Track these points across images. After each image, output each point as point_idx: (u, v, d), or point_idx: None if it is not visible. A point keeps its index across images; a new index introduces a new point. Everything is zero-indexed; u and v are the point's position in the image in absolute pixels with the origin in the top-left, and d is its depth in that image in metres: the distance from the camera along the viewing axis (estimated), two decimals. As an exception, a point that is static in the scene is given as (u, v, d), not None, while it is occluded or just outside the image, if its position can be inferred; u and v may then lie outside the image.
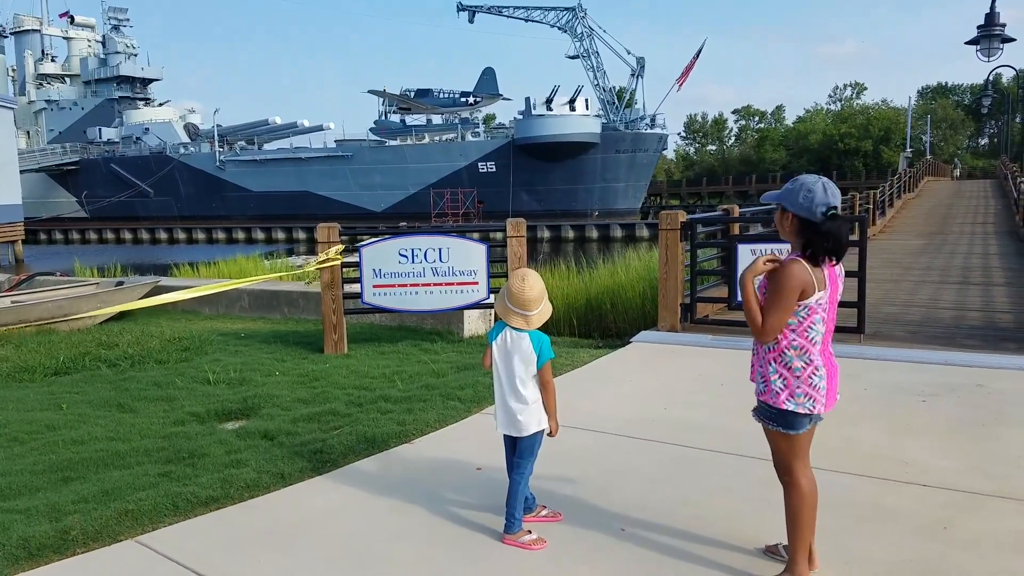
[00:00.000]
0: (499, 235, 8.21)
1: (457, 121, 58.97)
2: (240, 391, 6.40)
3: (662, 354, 7.30)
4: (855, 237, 8.43)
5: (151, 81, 76.11)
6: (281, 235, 55.42)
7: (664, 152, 66.67)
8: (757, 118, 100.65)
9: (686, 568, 3.18)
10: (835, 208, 2.75)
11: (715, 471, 4.25)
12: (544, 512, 3.67)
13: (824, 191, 2.74)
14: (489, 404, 5.63)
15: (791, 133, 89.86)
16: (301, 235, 52.51)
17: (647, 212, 57.71)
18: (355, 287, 8.04)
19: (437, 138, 58.13)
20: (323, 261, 7.89)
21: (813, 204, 2.75)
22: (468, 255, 7.88)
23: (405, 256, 7.85)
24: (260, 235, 56.26)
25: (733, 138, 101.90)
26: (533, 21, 58.26)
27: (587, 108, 53.94)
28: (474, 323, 9.03)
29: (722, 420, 5.15)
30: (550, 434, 3.49)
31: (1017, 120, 47.41)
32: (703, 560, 3.24)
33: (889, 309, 9.41)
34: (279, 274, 11.01)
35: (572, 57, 57.94)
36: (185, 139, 66.33)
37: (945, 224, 23.20)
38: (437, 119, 61.27)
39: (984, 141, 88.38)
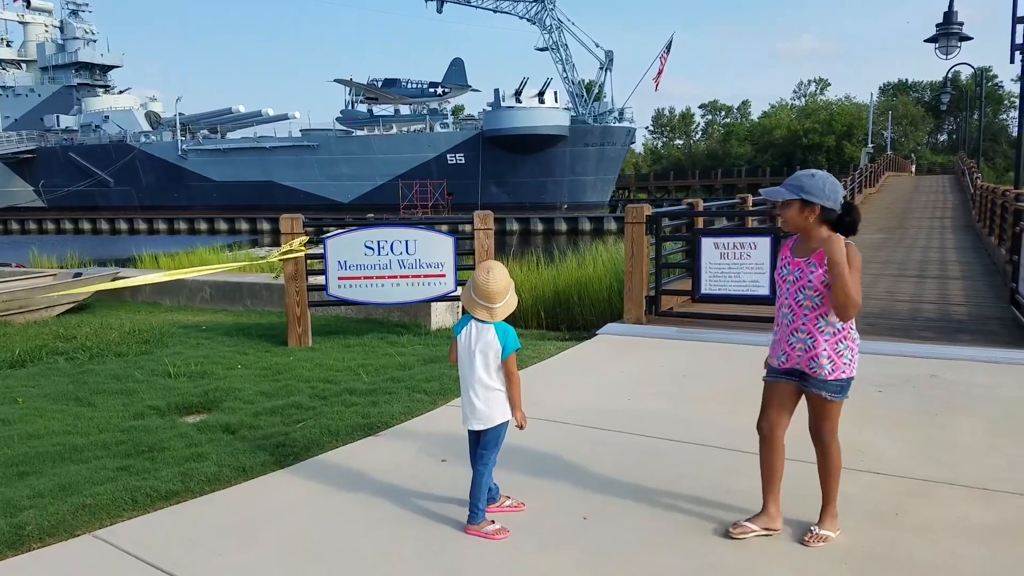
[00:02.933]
0: (467, 227, 8.19)
1: (425, 112, 58.61)
2: (201, 384, 6.30)
3: (628, 346, 7.36)
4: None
5: (111, 68, 74.26)
6: (244, 226, 54.64)
7: (632, 146, 67.07)
8: (723, 113, 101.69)
9: (644, 556, 3.22)
10: (846, 196, 3.18)
11: (678, 461, 4.30)
12: (508, 502, 3.68)
13: (837, 184, 3.12)
14: (455, 396, 5.63)
15: (756, 128, 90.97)
16: (265, 226, 51.82)
17: (615, 205, 57.98)
18: (320, 279, 7.96)
19: (405, 129, 57.68)
20: (286, 252, 7.79)
21: (838, 195, 3.10)
22: (435, 247, 7.85)
23: (371, 248, 7.79)
24: (223, 226, 55.42)
25: (700, 132, 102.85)
26: (502, 12, 58.00)
27: (556, 101, 53.97)
28: (441, 316, 9.00)
29: (685, 411, 5.22)
30: (518, 426, 3.50)
31: (974, 117, 48.60)
32: (662, 547, 3.28)
33: (848, 302, 9.61)
34: (241, 264, 10.83)
35: (541, 49, 57.86)
36: (146, 127, 64.88)
37: (904, 218, 23.73)
38: (405, 109, 60.79)
39: (943, 137, 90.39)
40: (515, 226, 47.26)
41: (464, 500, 3.56)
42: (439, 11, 59.49)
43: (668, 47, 56.33)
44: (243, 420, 5.25)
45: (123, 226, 58.37)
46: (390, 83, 60.82)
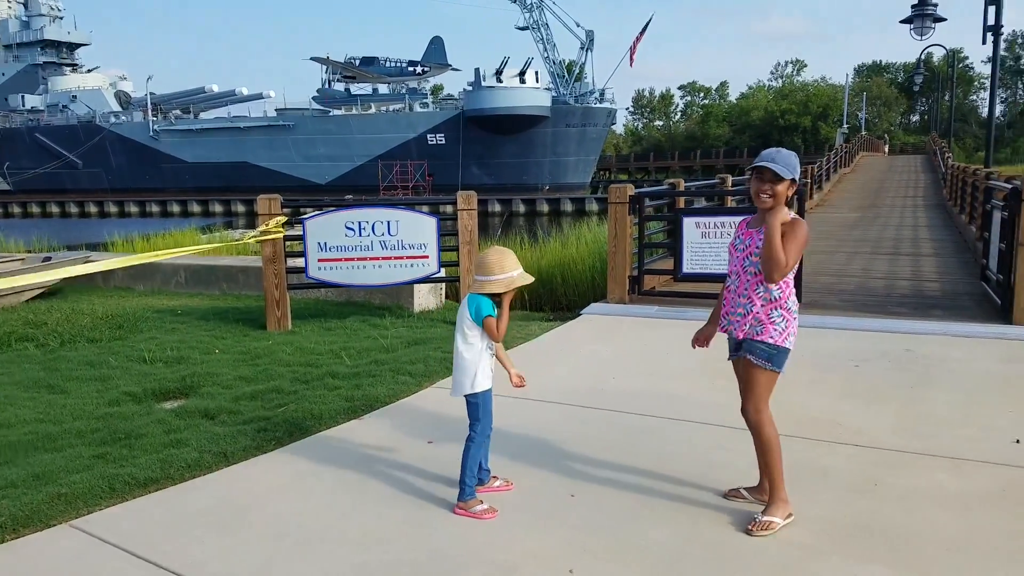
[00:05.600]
0: (450, 208, 8.11)
1: (405, 91, 57.91)
2: (178, 369, 6.20)
3: (611, 326, 7.36)
4: (794, 210, 8.60)
5: (78, 46, 72.39)
6: (219, 208, 53.85)
7: (613, 127, 66.97)
8: (702, 94, 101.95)
9: (633, 532, 3.22)
10: None
11: (663, 437, 4.32)
12: (497, 483, 3.67)
13: None
14: (441, 378, 5.61)
15: (734, 109, 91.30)
16: (240, 208, 51.13)
17: (597, 186, 58.00)
18: (299, 262, 7.85)
19: (384, 108, 56.99)
20: (263, 233, 7.66)
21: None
22: (418, 228, 7.76)
23: (352, 229, 7.68)
24: (196, 208, 54.58)
25: (679, 114, 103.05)
26: (483, -10, 57.33)
27: (537, 81, 53.63)
28: (425, 297, 8.94)
29: (669, 388, 5.23)
30: (516, 385, 3.53)
31: (946, 98, 49.11)
32: (650, 523, 3.29)
33: (825, 279, 9.70)
34: (217, 244, 10.65)
35: (522, 28, 57.39)
36: (116, 108, 63.45)
37: (878, 197, 24.00)
38: (384, 89, 60.04)
39: (916, 118, 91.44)
40: (497, 207, 47.06)
41: (452, 481, 3.55)
42: (416, -14, 58.57)
43: (645, 28, 56.19)
44: (222, 405, 5.17)
45: (93, 209, 57.22)
46: (368, 61, 60.00)
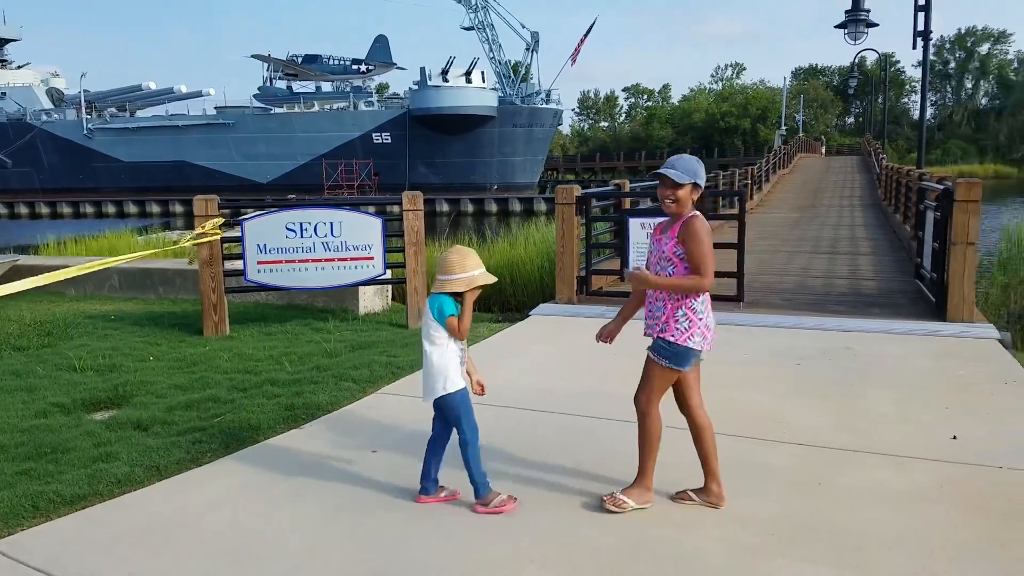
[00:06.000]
0: (396, 208, 7.97)
1: (349, 89, 57.12)
2: (110, 378, 5.92)
3: (560, 326, 7.34)
4: (735, 211, 8.75)
5: (8, 42, 68.98)
6: (156, 208, 52.17)
7: (560, 127, 67.33)
8: (646, 96, 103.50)
9: (581, 537, 3.18)
10: None
11: (611, 438, 4.30)
12: (443, 493, 3.59)
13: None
14: (386, 383, 5.49)
15: (677, 111, 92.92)
16: (178, 208, 49.63)
17: (545, 186, 58.22)
18: (239, 264, 7.61)
19: (328, 106, 56.09)
20: (200, 235, 7.40)
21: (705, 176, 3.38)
22: (363, 229, 7.60)
23: (293, 230, 7.48)
24: (133, 209, 52.78)
25: (624, 115, 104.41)
26: (427, -11, 56.90)
27: (483, 81, 53.56)
28: (370, 300, 8.77)
29: (617, 389, 5.17)
30: (478, 393, 3.54)
31: (879, 101, 50.94)
32: (598, 526, 3.25)
33: (766, 278, 9.89)
34: (151, 251, 10.26)
35: (467, 29, 57.17)
36: (48, 105, 60.81)
37: (816, 197, 24.70)
38: (327, 87, 59.11)
39: (851, 120, 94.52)
40: (445, 207, 46.72)
41: (397, 489, 3.50)
42: (360, -15, 57.81)
43: (589, 30, 56.71)
44: (156, 416, 4.95)
45: (23, 210, 54.71)
46: (311, 59, 58.97)
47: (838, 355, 6.06)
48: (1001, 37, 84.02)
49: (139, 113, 59.67)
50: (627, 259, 8.01)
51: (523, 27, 57.01)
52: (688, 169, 3.25)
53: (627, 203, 10.32)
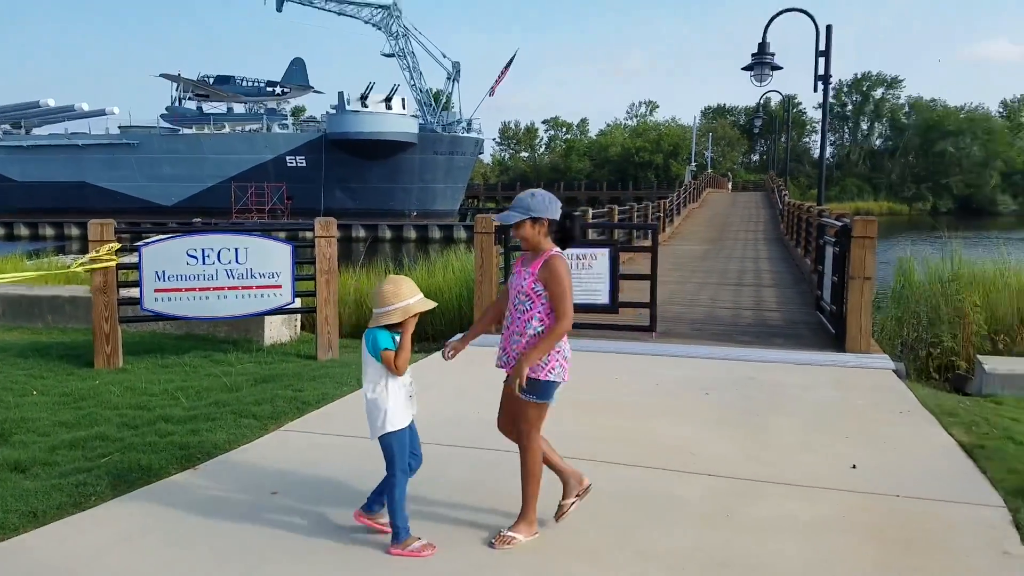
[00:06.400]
0: (308, 234, 7.72)
1: (263, 111, 55.90)
2: (-16, 415, 5.41)
3: (478, 356, 7.15)
4: (648, 243, 8.93)
5: None
6: (50, 231, 49.15)
7: (481, 156, 67.87)
8: (564, 129, 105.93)
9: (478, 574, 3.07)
10: (563, 208, 3.45)
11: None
12: (381, 520, 3.47)
13: (554, 199, 3.41)
14: (289, 420, 5.24)
15: (594, 145, 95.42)
16: (74, 231, 46.93)
17: (465, 214, 58.32)
18: (136, 291, 7.16)
19: (239, 128, 54.64)
20: (93, 260, 6.94)
21: (557, 208, 3.39)
22: (270, 256, 7.31)
23: (195, 257, 7.12)
24: (24, 231, 49.54)
25: (543, 146, 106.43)
26: (346, 15, 56.58)
27: (404, 108, 53.49)
28: (277, 330, 8.44)
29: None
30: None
31: (782, 140, 53.82)
32: (507, 563, 3.15)
33: (677, 309, 10.11)
34: (38, 273, 9.59)
35: (388, 55, 57.13)
36: (-67, 120, 56.79)
37: (724, 231, 25.67)
38: (240, 108, 57.67)
39: (756, 157, 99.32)
40: (362, 233, 45.98)
41: (298, 532, 3.32)
42: (279, 9, 56.98)
43: (510, 62, 57.69)
44: (36, 456, 4.54)
45: (-97, 231, 50.55)
46: (223, 80, 57.48)
47: (745, 385, 6.20)
48: (894, 82, 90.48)
49: (35, 131, 56.54)
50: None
51: (444, 56, 57.52)
52: (520, 206, 3.30)
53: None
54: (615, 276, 7.92)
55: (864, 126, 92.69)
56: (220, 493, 3.99)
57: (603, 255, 7.90)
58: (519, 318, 3.35)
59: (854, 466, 4.36)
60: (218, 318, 7.52)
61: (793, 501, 3.89)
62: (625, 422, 5.14)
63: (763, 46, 15.55)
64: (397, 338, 3.28)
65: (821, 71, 14.13)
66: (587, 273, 7.91)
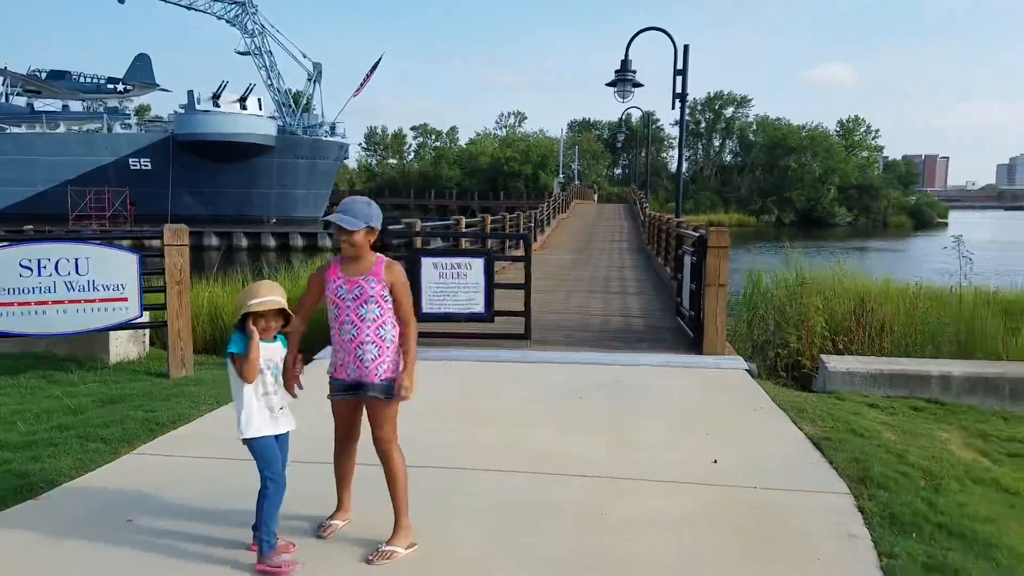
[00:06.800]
0: (155, 243, 7.18)
1: (103, 110, 51.76)
2: None
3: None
4: (521, 253, 9.08)
5: None
6: None
7: (346, 161, 66.36)
8: (434, 136, 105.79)
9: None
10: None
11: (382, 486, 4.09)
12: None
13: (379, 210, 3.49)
14: (142, 443, 4.85)
15: (464, 153, 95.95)
16: None
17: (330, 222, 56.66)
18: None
19: (76, 128, 50.30)
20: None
21: (383, 219, 3.50)
22: (115, 266, 6.75)
23: (29, 268, 6.44)
24: None
25: (412, 153, 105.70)
26: (196, 10, 53.53)
27: (260, 108, 51.29)
28: (123, 346, 7.80)
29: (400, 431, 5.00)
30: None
31: (643, 154, 56.58)
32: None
33: (550, 316, 10.31)
34: None
35: (243, 53, 54.67)
36: None
37: (591, 241, 26.55)
38: (77, 106, 53.21)
39: (619, 171, 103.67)
40: (215, 241, 43.44)
41: (156, 562, 3.12)
42: (121, 2, 53.13)
43: (375, 66, 56.99)
44: None
45: None
46: (57, 75, 52.91)
47: (614, 388, 6.41)
48: (743, 101, 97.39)
49: None
50: (420, 299, 7.91)
51: (304, 56, 55.89)
52: (361, 213, 3.31)
53: (419, 242, 10.27)
54: (490, 285, 7.97)
55: (716, 143, 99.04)
56: (68, 524, 3.62)
57: (478, 264, 7.91)
58: (368, 326, 3.33)
59: (715, 461, 4.60)
60: (58, 334, 6.83)
61: (662, 498, 4.06)
62: (503, 429, 5.17)
63: (625, 63, 16.21)
64: (247, 343, 3.20)
65: (679, 89, 14.92)
66: (462, 283, 7.90)
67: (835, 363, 7.44)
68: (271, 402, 3.27)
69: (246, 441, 3.23)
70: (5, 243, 6.61)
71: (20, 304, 6.40)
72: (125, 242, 7.12)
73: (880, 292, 9.68)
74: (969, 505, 4.06)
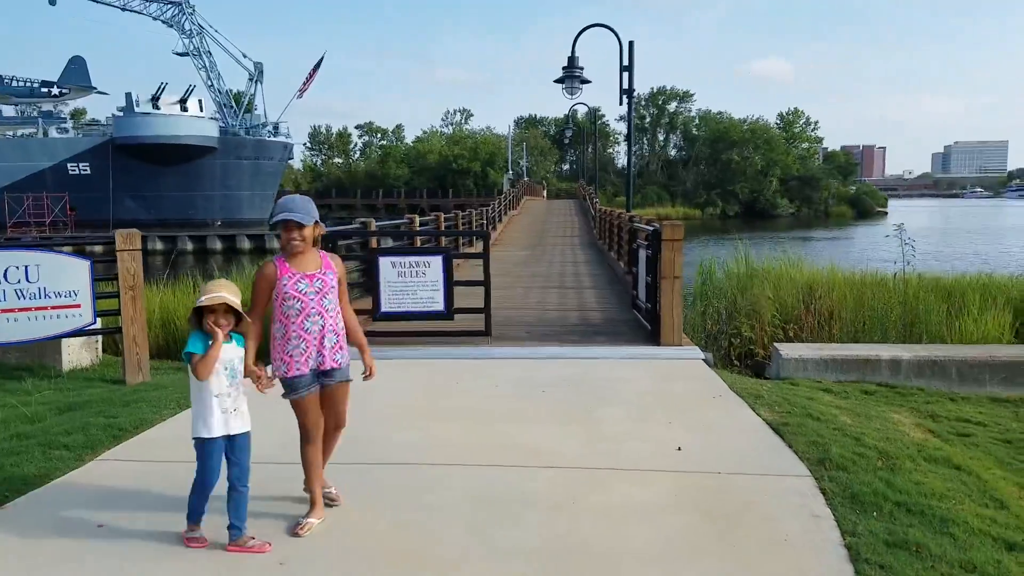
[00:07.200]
0: (99, 248, 7.04)
1: (37, 114, 49.96)
2: None
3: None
4: (479, 250, 9.12)
5: None
6: None
7: (291, 161, 65.27)
8: (380, 135, 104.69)
9: None
10: None
11: (352, 484, 4.14)
12: (252, 543, 3.37)
13: None
14: (107, 448, 4.77)
15: (412, 152, 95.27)
16: None
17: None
18: None
19: (10, 133, 48.46)
20: None
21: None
22: (66, 273, 6.60)
23: (-25, 276, 6.24)
24: None
25: (358, 152, 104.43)
26: (131, 11, 51.92)
27: (201, 110, 50.13)
28: (76, 354, 7.61)
29: (363, 431, 4.98)
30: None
31: (590, 150, 57.14)
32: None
33: (508, 312, 10.40)
34: None
35: (181, 54, 53.30)
36: None
37: (543, 237, 26.73)
38: (9, 111, 51.23)
39: (567, 167, 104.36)
40: (159, 245, 42.28)
41: (131, 567, 3.12)
42: (52, 3, 51.09)
43: (318, 65, 56.20)
44: None
45: None
46: (-13, 79, 50.74)
47: (576, 381, 6.52)
48: (685, 96, 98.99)
49: None
50: (379, 298, 7.91)
51: (245, 56, 54.76)
52: (308, 210, 3.48)
53: (375, 242, 10.24)
54: (449, 283, 8.00)
55: (661, 137, 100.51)
56: (36, 532, 3.56)
57: (436, 262, 7.94)
58: (332, 316, 3.58)
59: (679, 448, 4.74)
60: (9, 343, 6.64)
61: (630, 485, 4.17)
62: (471, 425, 5.22)
63: (572, 60, 16.37)
64: (207, 342, 3.25)
65: (625, 85, 15.15)
66: (421, 281, 7.92)
67: (787, 350, 7.70)
68: (224, 403, 3.27)
69: (197, 441, 3.27)
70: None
71: (-32, 313, 6.20)
72: (68, 248, 6.95)
73: (827, 280, 10.02)
74: (925, 483, 4.21)
